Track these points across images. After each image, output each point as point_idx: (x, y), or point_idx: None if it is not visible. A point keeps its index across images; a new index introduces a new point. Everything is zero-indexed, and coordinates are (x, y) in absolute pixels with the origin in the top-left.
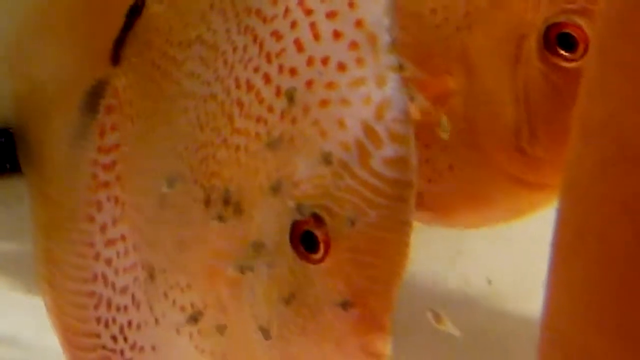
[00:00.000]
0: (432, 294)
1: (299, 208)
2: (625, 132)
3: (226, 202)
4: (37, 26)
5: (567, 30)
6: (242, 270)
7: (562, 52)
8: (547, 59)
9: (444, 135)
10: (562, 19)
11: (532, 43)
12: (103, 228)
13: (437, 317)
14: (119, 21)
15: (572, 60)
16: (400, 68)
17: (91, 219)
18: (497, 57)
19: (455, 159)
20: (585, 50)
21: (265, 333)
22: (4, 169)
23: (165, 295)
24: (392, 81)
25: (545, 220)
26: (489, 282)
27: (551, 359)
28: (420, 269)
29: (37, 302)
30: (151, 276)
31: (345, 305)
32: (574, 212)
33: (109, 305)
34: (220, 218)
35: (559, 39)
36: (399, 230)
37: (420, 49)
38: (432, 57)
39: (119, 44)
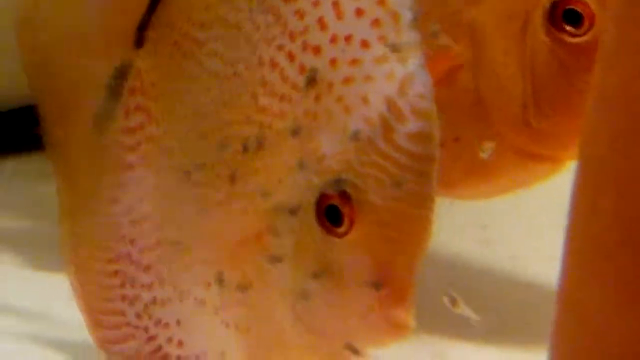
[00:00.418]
0: (455, 269)
1: (323, 183)
2: (639, 102)
3: (251, 179)
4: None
5: (573, 7)
6: (269, 245)
7: (568, 27)
8: (553, 34)
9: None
10: None
11: (538, 18)
12: (128, 209)
13: (453, 301)
14: (142, 3)
15: (577, 35)
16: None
17: (116, 201)
18: (505, 32)
19: (462, 131)
20: (591, 26)
21: (291, 307)
22: None
23: (190, 271)
24: (415, 57)
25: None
26: (511, 256)
27: (566, 327)
28: (444, 243)
29: (56, 278)
30: (175, 253)
31: (370, 278)
32: (589, 181)
33: (133, 283)
34: (245, 196)
35: (565, 15)
36: (422, 205)
37: (430, 23)
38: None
39: (143, 26)
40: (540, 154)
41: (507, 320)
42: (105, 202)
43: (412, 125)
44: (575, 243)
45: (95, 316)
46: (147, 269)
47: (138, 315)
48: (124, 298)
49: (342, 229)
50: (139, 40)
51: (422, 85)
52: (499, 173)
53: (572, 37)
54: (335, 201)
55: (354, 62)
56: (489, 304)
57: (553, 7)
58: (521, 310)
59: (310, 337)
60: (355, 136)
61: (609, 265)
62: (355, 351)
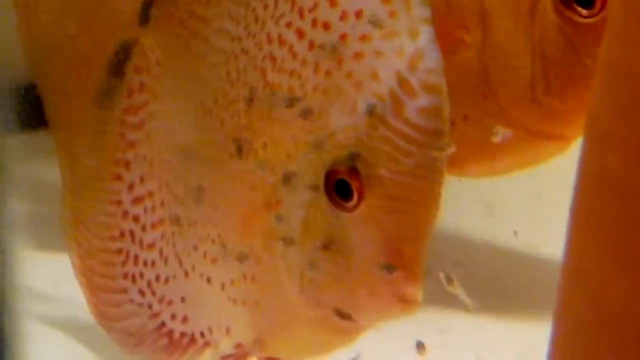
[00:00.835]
0: (460, 246)
1: (332, 158)
2: None
3: (259, 154)
4: None
5: None
6: (277, 219)
7: (579, 9)
8: (563, 13)
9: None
10: None
11: None
12: (131, 186)
13: (449, 280)
14: None
15: (588, 16)
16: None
17: (119, 178)
18: (514, 11)
19: (471, 110)
20: (603, 6)
21: (298, 281)
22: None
23: (195, 247)
24: (425, 33)
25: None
26: (515, 233)
27: (571, 297)
28: (449, 221)
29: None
30: (180, 230)
31: (379, 252)
32: (595, 155)
33: (136, 260)
34: (253, 171)
35: None
36: (431, 179)
37: (437, 2)
38: (449, 11)
39: (148, 4)
40: (548, 132)
41: (511, 295)
42: (108, 180)
43: (422, 100)
44: (580, 214)
45: (97, 293)
46: (150, 246)
47: (141, 292)
48: (126, 275)
49: (351, 203)
50: (144, 19)
51: (432, 60)
52: (508, 151)
53: (583, 18)
54: (345, 176)
55: (364, 37)
56: (493, 279)
57: None
58: (525, 285)
59: (317, 311)
60: (365, 111)
61: (614, 234)
62: (346, 316)
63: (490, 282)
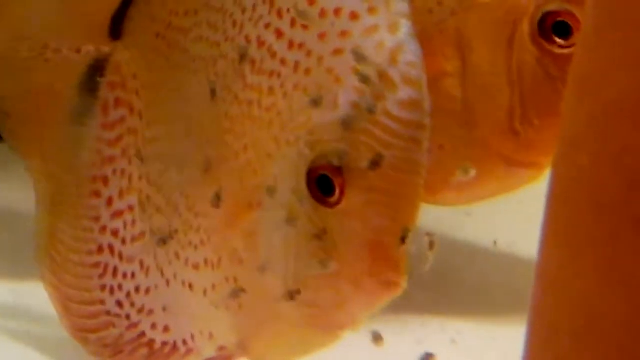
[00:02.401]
0: (440, 254)
1: (314, 154)
2: (616, 88)
3: (240, 156)
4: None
5: (563, 19)
6: (260, 219)
7: (557, 39)
8: (541, 44)
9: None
10: (556, 7)
11: (526, 29)
12: (109, 201)
13: (432, 244)
14: None
15: (566, 47)
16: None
17: (97, 194)
18: (492, 41)
19: (447, 138)
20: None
21: (283, 281)
22: None
23: (177, 255)
24: (405, 27)
25: None
26: (495, 243)
27: (543, 304)
28: (429, 228)
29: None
30: (161, 240)
31: (362, 245)
32: (568, 165)
33: (115, 273)
34: (234, 174)
35: (555, 27)
36: (413, 171)
37: (417, 32)
38: (427, 41)
39: (119, 18)
40: (526, 160)
41: (491, 299)
42: (86, 197)
43: (402, 93)
44: (553, 221)
45: (70, 305)
46: (130, 259)
47: (119, 304)
48: (103, 288)
49: (333, 199)
50: (116, 33)
51: (412, 54)
52: (485, 180)
53: (561, 49)
54: (327, 171)
55: (344, 34)
56: (473, 284)
57: (542, 20)
58: (504, 290)
59: (303, 309)
60: (347, 106)
61: (586, 242)
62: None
63: (470, 287)
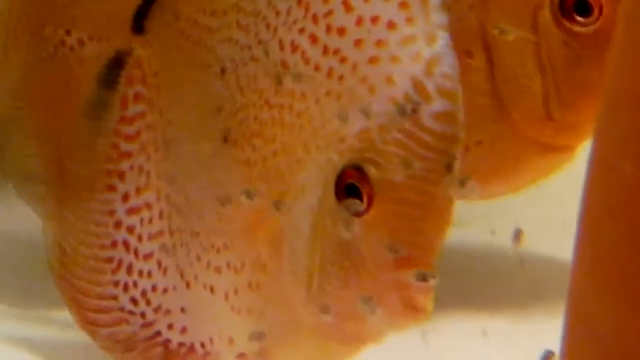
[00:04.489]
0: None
1: (344, 162)
2: None
3: (268, 161)
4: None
5: None
6: (285, 226)
7: (579, 18)
8: (565, 26)
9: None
10: None
11: (548, 12)
12: (126, 197)
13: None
14: None
15: (588, 25)
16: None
17: (113, 189)
18: (517, 30)
19: (484, 134)
20: (600, 14)
21: (306, 289)
22: None
23: (199, 258)
24: (442, 39)
25: (574, 181)
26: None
27: (576, 335)
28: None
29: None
30: (182, 241)
31: (389, 259)
32: (600, 187)
33: (129, 270)
34: (261, 178)
35: (576, 6)
36: (444, 184)
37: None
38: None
39: (142, 15)
40: (562, 145)
41: (485, 292)
42: (100, 191)
43: (437, 105)
44: (586, 249)
45: (80, 298)
46: (147, 257)
47: (134, 301)
48: (117, 284)
49: (361, 208)
50: (138, 29)
51: (448, 66)
52: (521, 170)
53: (584, 27)
54: (355, 180)
55: (380, 43)
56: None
57: (563, 1)
58: (497, 281)
59: (325, 319)
60: (380, 116)
61: (621, 273)
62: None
63: (463, 279)
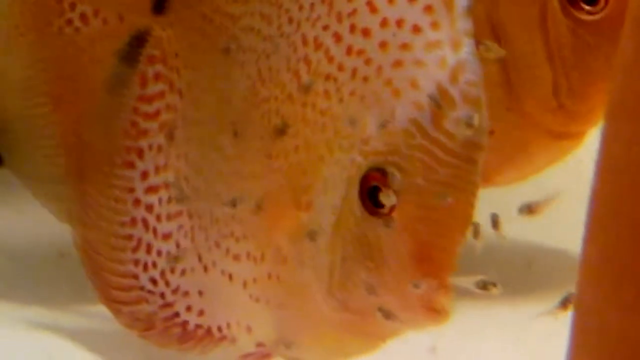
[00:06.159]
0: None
1: (368, 164)
2: None
3: (290, 156)
4: None
5: None
6: (308, 221)
7: (586, 6)
8: (572, 15)
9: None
10: None
11: (555, 1)
12: (144, 175)
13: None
14: None
15: (595, 13)
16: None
17: (131, 165)
18: (525, 21)
19: (496, 124)
20: (607, 1)
21: (326, 284)
22: None
23: (217, 244)
24: (467, 45)
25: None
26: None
27: (584, 331)
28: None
29: None
30: (200, 225)
31: (411, 260)
32: (607, 190)
33: (148, 249)
34: (282, 171)
35: None
36: (466, 190)
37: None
38: None
39: None
40: (573, 131)
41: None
42: (119, 166)
43: (462, 111)
44: (594, 252)
45: (102, 274)
46: (165, 237)
47: (153, 281)
48: (137, 262)
49: (384, 210)
50: (159, 8)
51: (473, 73)
52: (533, 157)
53: (590, 15)
54: (379, 182)
55: (405, 46)
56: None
57: None
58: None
59: (345, 315)
60: (404, 120)
61: (628, 276)
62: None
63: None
